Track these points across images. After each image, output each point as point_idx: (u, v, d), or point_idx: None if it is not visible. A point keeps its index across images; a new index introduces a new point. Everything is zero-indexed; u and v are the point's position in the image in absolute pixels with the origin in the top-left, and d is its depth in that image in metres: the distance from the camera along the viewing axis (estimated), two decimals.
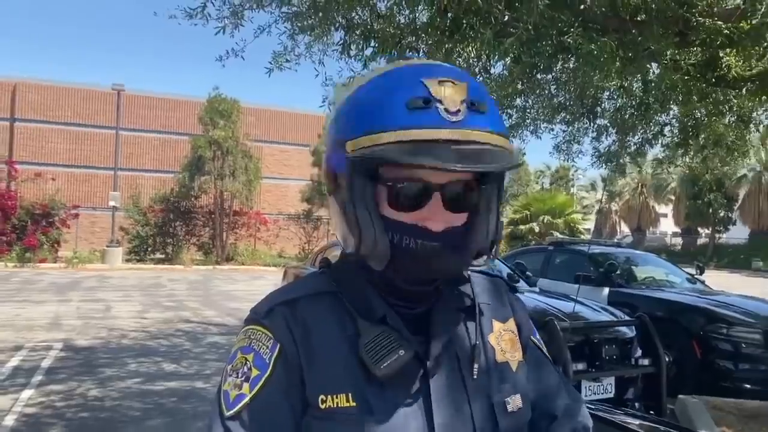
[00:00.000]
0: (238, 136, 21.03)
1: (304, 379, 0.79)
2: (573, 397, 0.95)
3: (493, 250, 0.85)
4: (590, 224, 44.29)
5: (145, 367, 6.23)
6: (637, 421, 1.62)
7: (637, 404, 4.27)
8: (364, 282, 0.85)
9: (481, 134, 0.75)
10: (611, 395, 4.21)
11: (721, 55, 4.98)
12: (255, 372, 0.79)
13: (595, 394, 4.09)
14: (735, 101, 6.75)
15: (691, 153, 8.54)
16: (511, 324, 0.93)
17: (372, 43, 4.76)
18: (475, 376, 0.84)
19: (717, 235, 35.33)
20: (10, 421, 4.41)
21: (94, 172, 25.32)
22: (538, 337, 0.98)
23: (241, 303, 11.69)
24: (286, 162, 28.12)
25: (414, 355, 0.79)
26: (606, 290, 6.38)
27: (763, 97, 6.09)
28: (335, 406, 0.77)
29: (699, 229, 37.05)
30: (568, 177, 47.78)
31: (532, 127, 8.03)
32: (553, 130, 8.00)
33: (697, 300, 5.91)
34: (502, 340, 0.91)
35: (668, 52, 4.87)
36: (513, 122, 7.78)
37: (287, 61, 4.96)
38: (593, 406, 1.54)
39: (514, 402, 0.86)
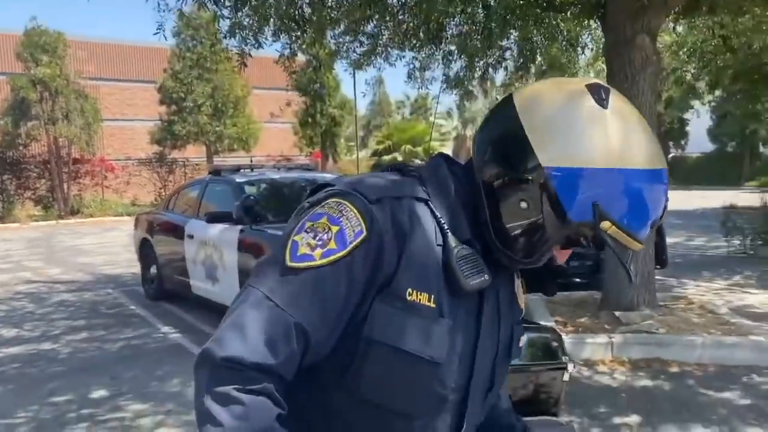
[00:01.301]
0: (68, 73, 18.69)
1: (397, 271, 0.84)
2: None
3: None
4: (449, 150, 46.51)
5: None
6: None
7: None
8: (454, 199, 0.91)
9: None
10: None
11: None
12: (332, 245, 0.82)
13: None
14: (564, 26, 7.30)
15: (532, 76, 9.19)
16: (519, 282, 1.07)
17: None
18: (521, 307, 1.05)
19: None
20: None
21: None
22: None
23: (92, 257, 10.81)
24: (130, 101, 25.68)
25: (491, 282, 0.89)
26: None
27: (585, 21, 6.64)
28: (418, 301, 0.85)
29: None
30: (426, 106, 49.25)
31: (384, 55, 8.08)
32: (404, 57, 8.12)
33: None
34: (518, 287, 1.05)
35: None
36: (365, 49, 7.76)
37: None
38: None
39: (522, 340, 1.06)
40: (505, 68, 7.95)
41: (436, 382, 0.87)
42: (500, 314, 0.96)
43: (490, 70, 8.38)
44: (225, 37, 5.96)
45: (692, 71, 10.16)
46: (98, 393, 3.97)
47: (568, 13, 5.92)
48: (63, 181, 19.81)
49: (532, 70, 8.68)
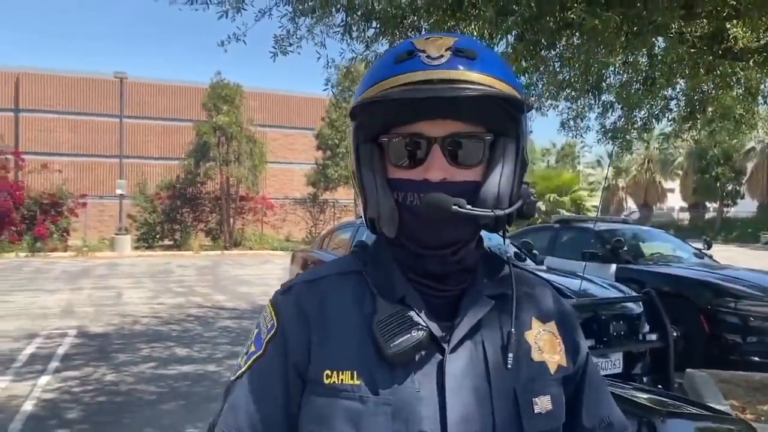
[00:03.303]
0: (242, 121, 21.01)
1: (309, 357, 0.78)
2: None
3: (509, 210, 0.78)
4: (596, 201, 44.10)
5: (158, 352, 6.32)
6: (646, 395, 1.63)
7: (645, 379, 4.30)
8: (390, 260, 0.84)
9: (466, 74, 0.76)
10: (619, 370, 4.24)
11: (727, 26, 4.92)
12: (252, 348, 0.84)
13: (603, 369, 4.13)
14: (742, 73, 6.65)
15: (698, 127, 8.48)
16: (552, 326, 0.86)
17: (374, 24, 4.73)
18: (509, 366, 0.78)
19: (725, 210, 35.09)
20: (29, 406, 4.51)
21: (99, 161, 25.39)
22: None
23: (250, 287, 11.79)
24: (291, 146, 28.07)
25: (430, 337, 0.76)
26: (613, 267, 6.39)
27: None
28: (339, 382, 0.76)
29: (707, 203, 36.83)
30: (573, 154, 47.44)
31: (537, 105, 7.98)
32: (558, 107, 7.94)
33: (704, 274, 5.91)
34: (540, 339, 0.84)
35: (674, 25, 4.81)
36: None
37: (290, 45, 4.94)
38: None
39: (543, 403, 0.79)
40: (671, 119, 7.43)
41: None
42: (488, 370, 0.78)
43: (653, 120, 7.89)
44: None
45: None
46: None
47: (750, 62, 5.42)
48: (230, 215, 22.03)
49: (700, 120, 8.02)
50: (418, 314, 0.77)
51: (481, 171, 0.79)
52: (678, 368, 4.65)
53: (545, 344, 0.84)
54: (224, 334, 7.29)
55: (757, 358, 5.15)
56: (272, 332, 0.81)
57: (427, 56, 0.77)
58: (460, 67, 0.76)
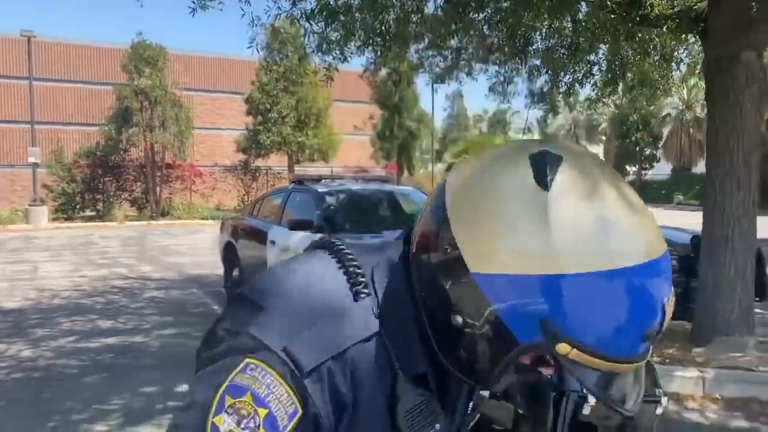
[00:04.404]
0: (166, 84, 20.02)
1: None
2: None
3: None
4: None
5: (80, 325, 6.05)
6: None
7: None
8: (409, 318, 0.72)
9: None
10: None
11: None
12: None
13: None
14: (658, 40, 6.99)
15: (620, 92, 8.85)
16: None
17: None
18: None
19: (643, 173, 37.20)
20: None
21: (8, 127, 23.56)
22: None
23: (179, 258, 11.44)
24: (219, 111, 27.06)
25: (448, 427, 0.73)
26: None
27: (683, 35, 6.33)
28: None
29: (627, 167, 38.84)
30: (505, 120, 48.57)
31: (467, 69, 8.07)
32: (487, 71, 8.06)
33: None
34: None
35: None
36: (448, 64, 7.78)
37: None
38: None
39: None
40: (593, 84, 7.70)
41: None
42: None
43: (576, 85, 8.15)
44: (313, 52, 6.17)
45: None
46: (183, 387, 4.16)
47: (665, 28, 5.66)
48: (156, 184, 21.14)
49: (621, 85, 8.36)
50: (438, 400, 0.72)
51: None
52: None
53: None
54: (151, 305, 7.06)
55: None
56: (296, 419, 0.67)
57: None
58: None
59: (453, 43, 7.37)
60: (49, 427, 3.50)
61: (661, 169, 36.78)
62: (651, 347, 0.66)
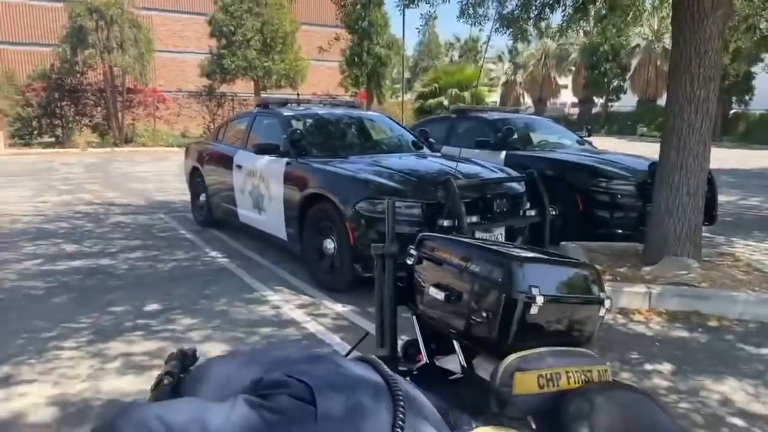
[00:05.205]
0: (123, 2, 18.89)
1: None
2: None
3: None
4: (497, 97, 45.30)
5: (44, 249, 6.00)
6: (525, 253, 1.80)
7: (524, 246, 4.72)
8: None
9: None
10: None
11: None
12: None
13: None
14: None
15: (590, 19, 8.75)
16: None
17: None
18: None
19: (610, 104, 37.46)
20: None
21: None
22: None
23: (145, 184, 11.25)
24: (182, 33, 25.85)
25: None
26: (503, 153, 6.72)
27: None
28: None
29: (595, 98, 39.02)
30: (477, 49, 47.66)
31: None
32: None
33: (582, 158, 6.40)
34: None
35: None
36: None
37: None
38: (490, 243, 1.72)
39: None
40: (564, 8, 7.59)
41: None
42: None
43: (547, 10, 8.03)
44: None
45: (767, 19, 9.45)
46: (152, 306, 4.25)
47: None
48: (118, 109, 20.38)
49: (592, 12, 8.27)
50: None
51: None
52: (554, 242, 5.14)
53: None
54: (117, 230, 7.01)
55: (621, 231, 5.79)
56: None
57: None
58: None
59: None
60: (17, 345, 3.55)
61: (628, 101, 37.09)
62: None
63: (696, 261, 4.74)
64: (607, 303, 1.87)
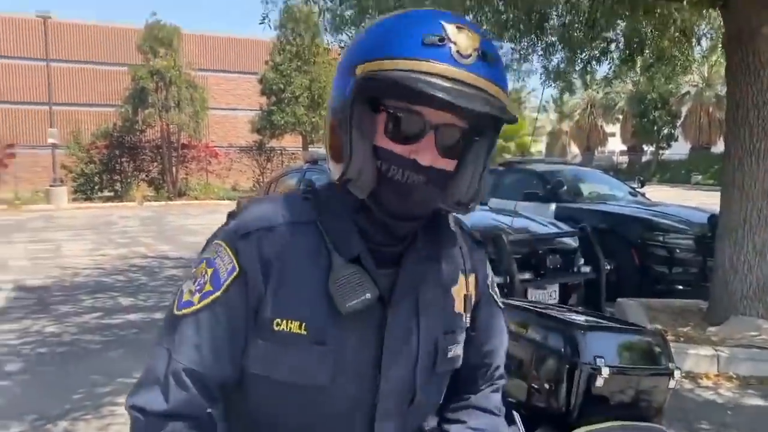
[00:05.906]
0: (181, 65, 20.07)
1: (262, 303, 0.83)
2: (501, 360, 1.06)
3: (472, 203, 0.88)
4: (542, 146, 45.07)
5: (102, 302, 6.20)
6: (582, 318, 1.74)
7: (579, 308, 4.55)
8: (346, 213, 0.87)
9: (487, 83, 0.78)
10: (555, 301, 4.47)
11: None
12: (208, 287, 0.84)
13: (540, 300, 4.34)
14: (678, 15, 6.85)
15: (637, 69, 8.70)
16: (472, 279, 0.99)
17: None
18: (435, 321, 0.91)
19: (660, 152, 36.60)
20: None
21: (27, 108, 23.87)
22: (496, 290, 1.05)
23: (197, 237, 11.58)
24: (234, 92, 27.14)
25: (378, 297, 0.84)
26: (553, 206, 6.61)
27: (704, 10, 6.20)
28: (288, 330, 0.83)
29: (644, 146, 38.25)
30: (520, 99, 47.93)
31: None
32: (502, 48, 7.97)
33: (636, 211, 6.21)
34: (462, 292, 0.97)
35: None
36: None
37: None
38: (542, 306, 1.66)
39: (455, 351, 0.95)
40: (611, 61, 7.58)
41: (325, 404, 0.86)
42: (419, 322, 0.89)
43: (593, 62, 8.03)
44: (325, 30, 6.15)
45: None
46: None
47: (684, 2, 5.54)
48: (172, 164, 21.32)
49: (639, 63, 8.22)
50: (370, 274, 0.84)
51: (455, 162, 0.85)
52: (610, 298, 4.94)
53: (460, 296, 0.97)
54: (170, 283, 7.20)
55: (680, 287, 5.52)
56: (234, 274, 0.83)
57: (458, 52, 0.77)
58: (484, 75, 0.78)
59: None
60: (74, 399, 3.62)
61: (680, 149, 36.16)
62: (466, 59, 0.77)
63: (767, 321, 4.45)
64: (676, 374, 1.75)
